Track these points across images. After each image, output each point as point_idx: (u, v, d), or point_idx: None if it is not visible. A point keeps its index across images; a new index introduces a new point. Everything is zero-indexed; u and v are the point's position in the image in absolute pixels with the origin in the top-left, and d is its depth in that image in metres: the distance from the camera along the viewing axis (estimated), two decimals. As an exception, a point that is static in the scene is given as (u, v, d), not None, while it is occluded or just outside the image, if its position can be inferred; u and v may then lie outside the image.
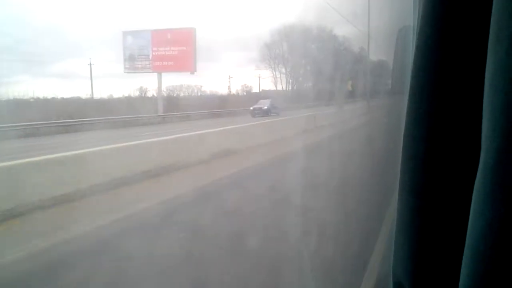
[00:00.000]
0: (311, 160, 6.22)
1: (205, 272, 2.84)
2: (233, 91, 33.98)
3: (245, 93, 33.93)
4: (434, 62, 0.44)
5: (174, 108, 22.27)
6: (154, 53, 20.30)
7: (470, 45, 0.41)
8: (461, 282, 0.36)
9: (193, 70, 20.38)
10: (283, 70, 34.64)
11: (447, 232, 0.45)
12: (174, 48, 19.85)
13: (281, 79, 34.80)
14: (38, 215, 3.91)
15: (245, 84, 35.63)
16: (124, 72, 20.79)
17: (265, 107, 19.13)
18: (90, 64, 23.38)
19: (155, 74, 20.68)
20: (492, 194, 0.32)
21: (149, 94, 25.34)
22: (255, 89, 35.64)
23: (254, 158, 7.02)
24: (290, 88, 34.86)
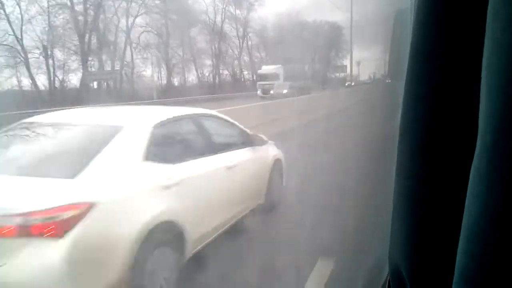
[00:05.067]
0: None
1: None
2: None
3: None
4: (432, 45, 0.44)
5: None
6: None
7: (468, 26, 0.40)
8: (457, 264, 0.36)
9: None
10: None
11: (443, 215, 0.45)
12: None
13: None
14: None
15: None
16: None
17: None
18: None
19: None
20: (488, 176, 0.32)
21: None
22: None
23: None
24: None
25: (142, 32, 33.49)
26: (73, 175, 1.95)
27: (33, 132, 2.53)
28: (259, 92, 26.05)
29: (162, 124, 2.57)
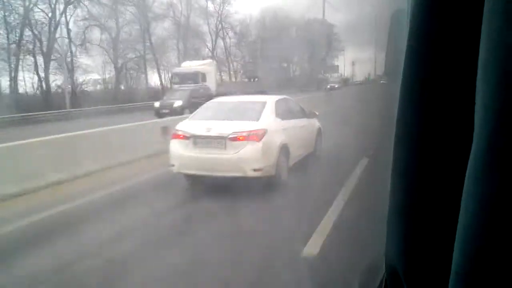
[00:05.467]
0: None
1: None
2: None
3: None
4: (428, 46, 0.44)
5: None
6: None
7: (464, 25, 0.40)
8: (454, 262, 0.36)
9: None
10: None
11: (440, 215, 0.45)
12: None
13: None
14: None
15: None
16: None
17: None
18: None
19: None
20: (484, 175, 0.32)
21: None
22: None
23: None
24: None
25: (88, 27, 26.19)
26: (257, 119, 4.84)
27: (225, 104, 5.52)
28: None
29: (277, 101, 5.47)
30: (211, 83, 18.63)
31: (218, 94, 13.52)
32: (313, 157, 6.37)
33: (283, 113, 5.51)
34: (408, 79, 0.47)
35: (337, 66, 39.08)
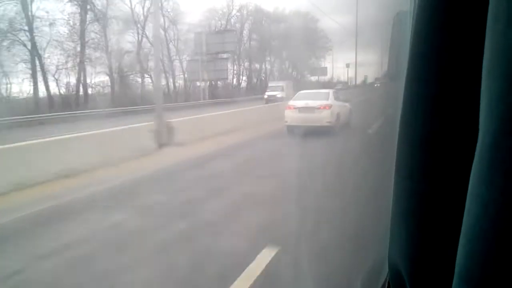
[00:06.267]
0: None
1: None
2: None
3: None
4: (432, 48, 0.44)
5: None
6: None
7: (469, 30, 0.40)
8: (457, 264, 0.36)
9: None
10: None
11: (443, 216, 0.45)
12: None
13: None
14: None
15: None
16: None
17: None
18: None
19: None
20: (489, 177, 0.32)
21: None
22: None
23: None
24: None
25: None
26: (327, 99, 10.48)
27: (310, 92, 11.29)
28: None
29: (334, 91, 11.24)
30: None
31: None
32: (348, 125, 11.85)
33: (336, 97, 11.00)
34: (412, 81, 0.47)
35: (325, 68, 34.36)
